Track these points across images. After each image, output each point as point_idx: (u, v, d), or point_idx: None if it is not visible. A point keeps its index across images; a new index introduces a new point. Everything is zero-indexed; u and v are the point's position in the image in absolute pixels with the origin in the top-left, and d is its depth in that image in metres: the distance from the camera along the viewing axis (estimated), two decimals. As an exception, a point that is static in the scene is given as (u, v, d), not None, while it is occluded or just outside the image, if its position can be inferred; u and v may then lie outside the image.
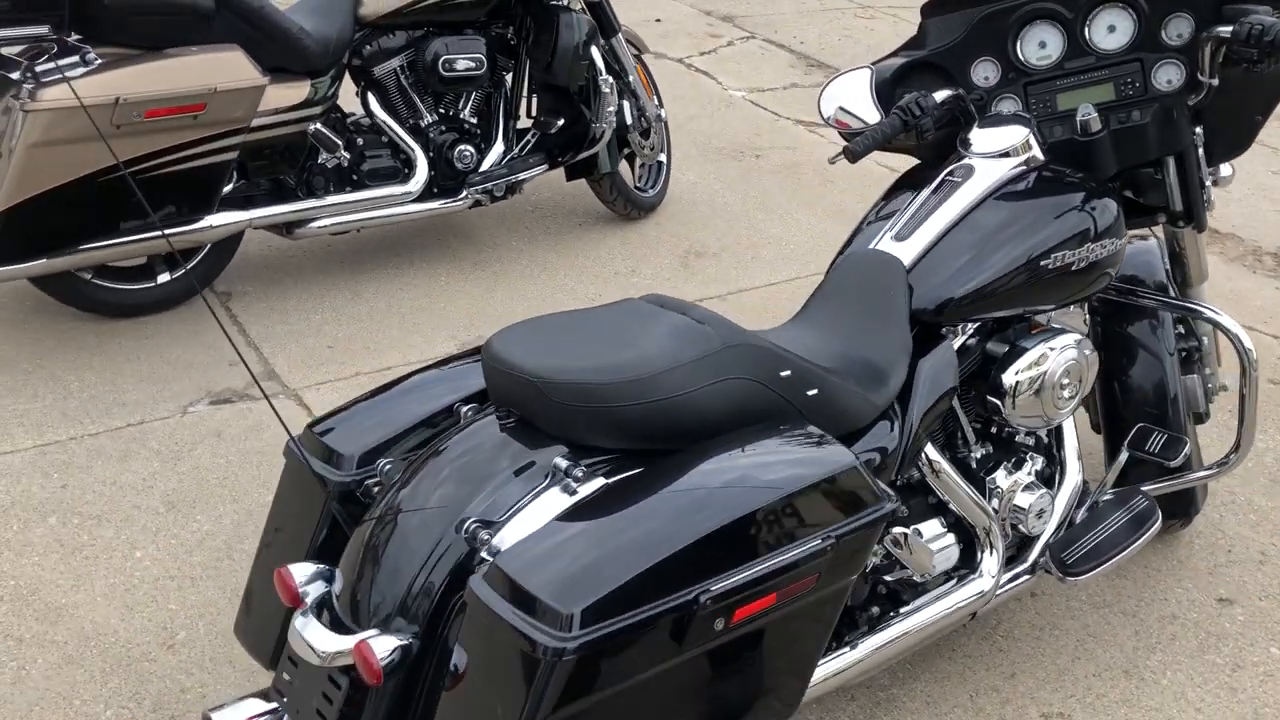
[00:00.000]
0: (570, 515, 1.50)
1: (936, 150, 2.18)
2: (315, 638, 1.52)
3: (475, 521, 1.53)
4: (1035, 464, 2.16)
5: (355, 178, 3.50)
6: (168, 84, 2.95)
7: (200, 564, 2.51)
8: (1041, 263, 1.99)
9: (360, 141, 3.50)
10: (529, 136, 3.80)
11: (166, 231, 3.06)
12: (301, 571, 1.61)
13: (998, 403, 2.02)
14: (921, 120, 2.02)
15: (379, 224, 3.59)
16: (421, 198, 3.57)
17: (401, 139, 3.54)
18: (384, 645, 1.47)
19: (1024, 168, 2.05)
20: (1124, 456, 2.25)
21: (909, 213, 2.05)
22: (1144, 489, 2.29)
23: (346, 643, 1.50)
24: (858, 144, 2.01)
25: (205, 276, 3.44)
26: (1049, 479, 2.20)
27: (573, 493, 1.55)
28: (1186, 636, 2.40)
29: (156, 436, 2.92)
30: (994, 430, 2.15)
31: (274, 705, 1.67)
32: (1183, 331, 2.48)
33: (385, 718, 1.54)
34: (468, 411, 1.75)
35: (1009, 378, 2.00)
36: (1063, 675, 2.30)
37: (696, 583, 1.44)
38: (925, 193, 2.07)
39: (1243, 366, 2.22)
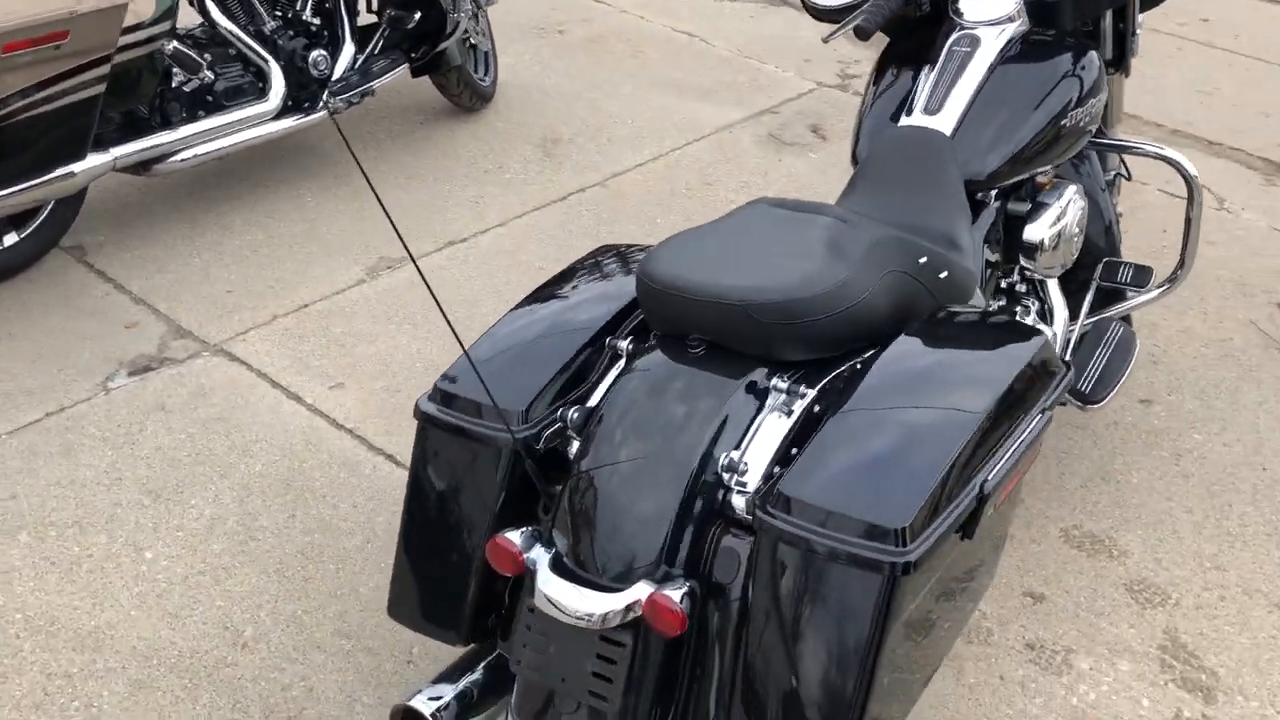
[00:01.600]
0: (825, 431, 1.49)
1: (903, 25, 2.28)
2: (581, 600, 1.46)
3: (713, 455, 1.52)
4: (1034, 308, 2.39)
5: (211, 100, 3.14)
6: (22, 11, 2.51)
7: (223, 551, 2.31)
8: (1061, 122, 2.15)
9: (210, 58, 3.14)
10: (379, 35, 3.54)
11: (37, 181, 2.65)
12: (519, 537, 1.54)
13: (1029, 256, 2.20)
14: None
15: (241, 148, 3.26)
16: (281, 114, 3.27)
17: (251, 48, 3.20)
18: (675, 594, 1.44)
19: (1018, 32, 2.18)
20: (1093, 289, 2.52)
21: (929, 86, 2.13)
22: (1114, 316, 2.58)
23: (622, 600, 1.46)
24: (867, 21, 2.06)
25: (53, 234, 3.02)
26: (1044, 319, 2.45)
27: (791, 411, 1.57)
28: (1131, 438, 2.78)
29: (91, 421, 2.59)
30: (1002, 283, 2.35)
31: (465, 682, 1.64)
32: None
33: (669, 667, 1.54)
34: (627, 346, 1.70)
35: (1040, 232, 2.18)
36: (1059, 491, 2.61)
37: (977, 475, 1.50)
38: (939, 65, 2.15)
39: (1190, 193, 2.50)
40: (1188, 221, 2.53)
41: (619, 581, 1.47)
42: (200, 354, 2.83)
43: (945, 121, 2.08)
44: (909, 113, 2.12)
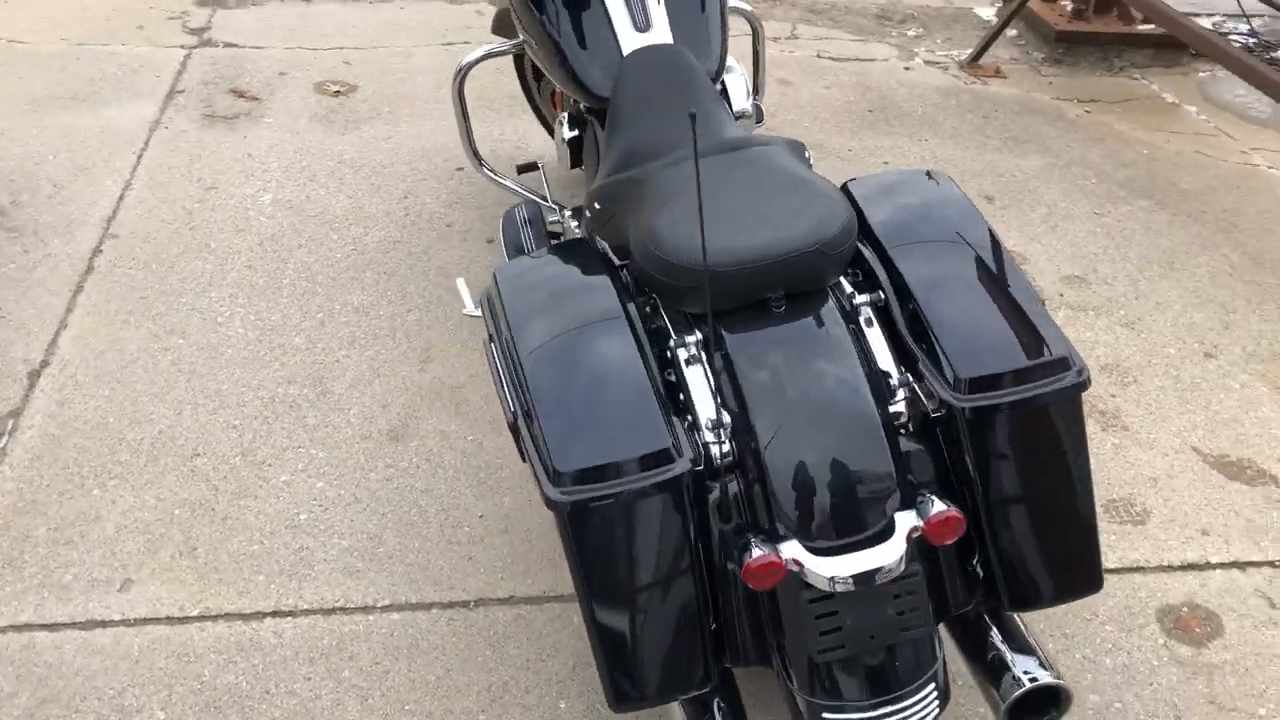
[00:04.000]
0: (931, 319, 1.68)
1: None
2: (873, 559, 1.52)
3: (868, 380, 1.63)
4: None
5: None
6: None
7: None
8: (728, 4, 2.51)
9: None
10: None
11: None
12: (765, 548, 1.53)
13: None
14: None
15: None
16: None
17: None
18: (943, 505, 1.55)
19: None
20: None
21: (622, 6, 2.30)
22: None
23: (901, 540, 1.54)
24: None
25: None
26: None
27: (872, 321, 1.73)
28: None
29: None
30: None
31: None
32: None
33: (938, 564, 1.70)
34: (695, 340, 1.69)
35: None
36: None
37: None
38: None
39: (754, 29, 2.89)
40: (756, 55, 2.95)
41: (879, 526, 1.56)
42: None
43: (662, 34, 2.29)
44: (617, 37, 2.26)
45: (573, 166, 2.58)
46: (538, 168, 2.96)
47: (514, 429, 1.68)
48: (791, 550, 1.54)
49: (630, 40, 2.28)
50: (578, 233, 2.61)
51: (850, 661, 1.59)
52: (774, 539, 1.56)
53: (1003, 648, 1.73)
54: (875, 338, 1.73)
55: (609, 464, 1.52)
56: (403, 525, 2.30)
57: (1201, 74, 4.69)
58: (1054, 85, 4.45)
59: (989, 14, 5.06)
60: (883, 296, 1.76)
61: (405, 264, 3.06)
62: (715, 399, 1.64)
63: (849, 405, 1.61)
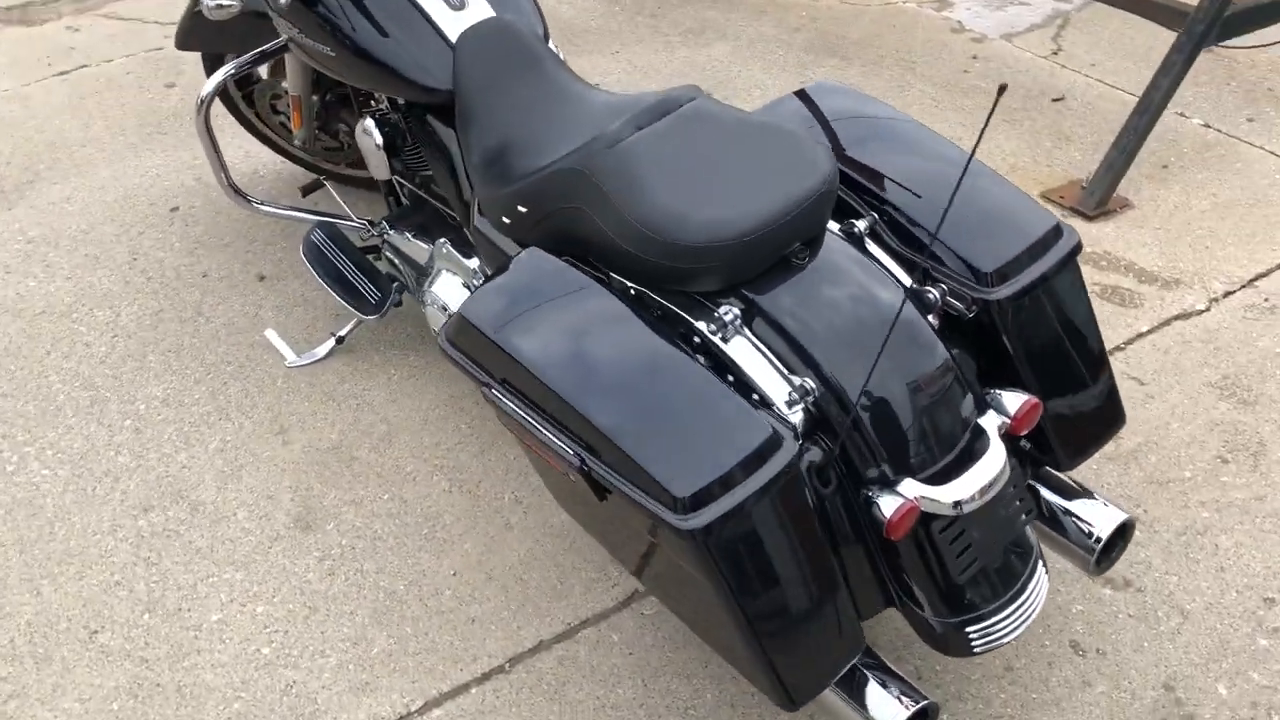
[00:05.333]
0: (932, 226, 1.73)
1: None
2: (991, 468, 1.55)
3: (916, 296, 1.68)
4: None
5: None
6: None
7: None
8: None
9: None
10: None
11: None
12: (897, 498, 1.53)
13: None
14: None
15: None
16: None
17: None
18: (1021, 394, 1.64)
19: None
20: None
21: None
22: None
23: (997, 441, 1.59)
24: None
25: None
26: None
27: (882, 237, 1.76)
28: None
29: None
30: None
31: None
32: None
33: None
34: (732, 316, 1.60)
35: None
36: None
37: None
38: None
39: None
40: None
41: (972, 435, 1.59)
42: None
43: (480, 8, 2.10)
44: (436, 23, 2.05)
45: (391, 173, 2.33)
46: (323, 184, 2.64)
47: (585, 472, 1.53)
48: (912, 489, 1.53)
49: (451, 23, 2.06)
50: (404, 242, 2.38)
51: (988, 572, 1.63)
52: (886, 484, 1.55)
53: (1067, 503, 1.84)
54: (885, 258, 1.73)
55: (726, 472, 1.43)
56: (380, 616, 2.03)
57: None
58: (686, -31, 4.56)
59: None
60: (876, 218, 1.76)
61: (184, 334, 2.64)
62: (777, 367, 1.58)
63: (903, 330, 1.59)
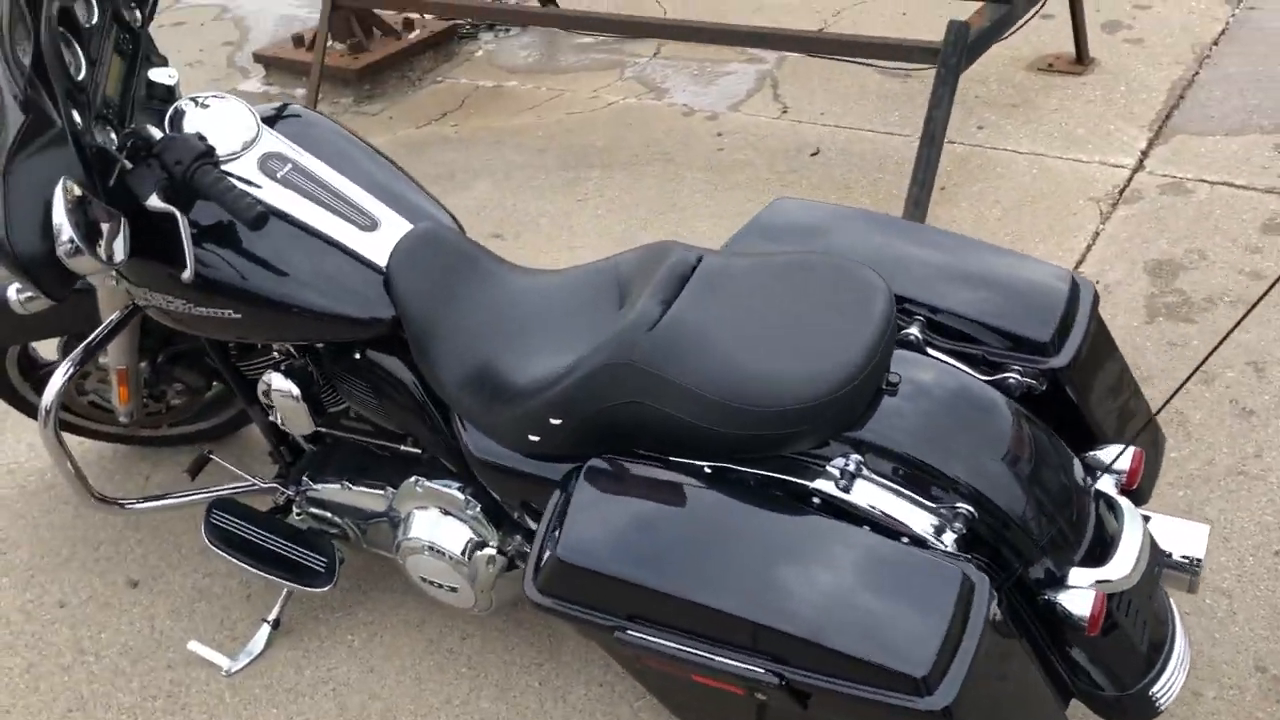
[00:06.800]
0: (972, 312, 1.74)
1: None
2: (1131, 535, 1.54)
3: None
4: None
5: None
6: None
7: None
8: None
9: None
10: None
11: None
12: (1082, 593, 1.49)
13: None
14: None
15: None
16: None
17: None
18: (1112, 450, 1.66)
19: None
20: None
21: (336, 222, 1.84)
22: None
23: (1115, 492, 1.62)
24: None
25: None
26: None
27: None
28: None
29: None
30: None
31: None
32: None
33: None
34: (855, 464, 1.53)
35: None
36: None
37: None
38: (312, 196, 1.84)
39: None
40: None
41: (1098, 500, 1.61)
42: None
43: (393, 221, 1.86)
44: (355, 251, 1.80)
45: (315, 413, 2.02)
46: (210, 457, 2.27)
47: (793, 689, 1.39)
48: (1085, 577, 1.51)
49: (371, 246, 1.83)
50: (338, 492, 2.08)
51: (1139, 632, 1.62)
52: (1054, 581, 1.52)
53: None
54: (947, 357, 1.70)
55: (944, 634, 1.34)
56: None
57: (478, 53, 4.95)
58: (394, 119, 4.39)
59: (255, 87, 4.79)
60: (922, 320, 1.72)
61: (77, 683, 2.17)
62: (915, 500, 1.51)
63: (1013, 424, 1.57)
